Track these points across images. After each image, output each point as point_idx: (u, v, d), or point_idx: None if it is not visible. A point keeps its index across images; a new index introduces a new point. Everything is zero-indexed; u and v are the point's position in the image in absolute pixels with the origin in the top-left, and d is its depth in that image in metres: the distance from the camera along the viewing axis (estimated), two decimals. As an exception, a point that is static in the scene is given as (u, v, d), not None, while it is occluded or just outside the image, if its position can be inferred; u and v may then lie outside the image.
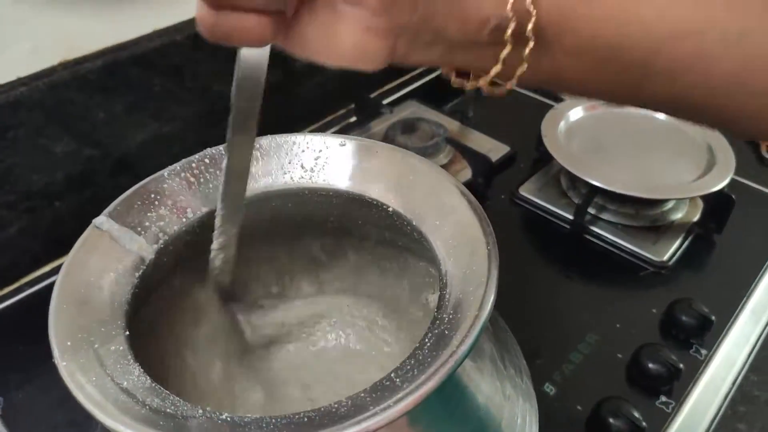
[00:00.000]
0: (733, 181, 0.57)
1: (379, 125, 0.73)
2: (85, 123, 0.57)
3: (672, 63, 0.25)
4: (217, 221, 0.30)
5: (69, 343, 0.23)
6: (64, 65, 0.53)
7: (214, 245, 0.31)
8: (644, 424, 0.42)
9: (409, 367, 0.23)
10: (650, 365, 0.46)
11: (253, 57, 0.25)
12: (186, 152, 0.65)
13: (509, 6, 0.24)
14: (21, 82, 0.52)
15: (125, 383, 0.23)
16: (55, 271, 0.59)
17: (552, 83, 0.28)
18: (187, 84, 0.62)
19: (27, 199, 0.56)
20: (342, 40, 0.23)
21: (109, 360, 0.24)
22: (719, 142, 0.61)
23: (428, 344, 0.23)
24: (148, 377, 0.24)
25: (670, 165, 0.60)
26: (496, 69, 0.26)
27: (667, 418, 0.44)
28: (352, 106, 0.77)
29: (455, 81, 0.28)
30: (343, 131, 0.73)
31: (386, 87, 0.81)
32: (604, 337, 0.50)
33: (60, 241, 0.60)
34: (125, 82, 0.58)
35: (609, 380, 0.46)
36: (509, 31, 0.24)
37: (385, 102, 0.77)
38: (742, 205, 0.57)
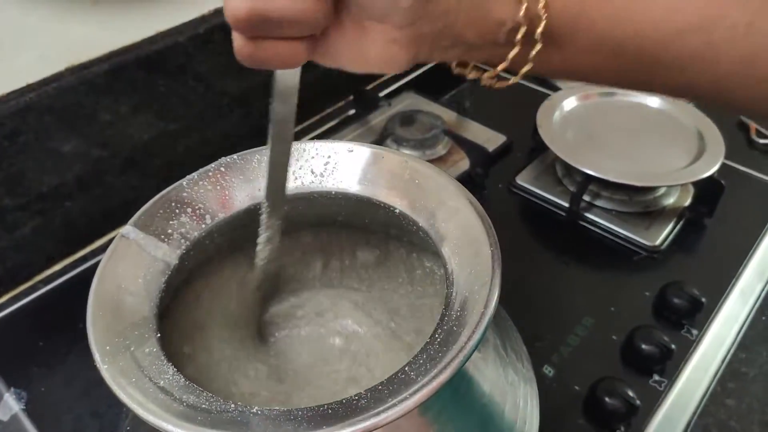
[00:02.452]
0: (723, 165, 0.59)
1: (378, 117, 0.74)
2: (93, 125, 0.58)
3: (681, 55, 0.27)
4: (263, 217, 0.33)
5: (108, 348, 0.25)
6: (71, 70, 0.55)
7: (261, 238, 0.33)
8: (638, 402, 0.44)
9: (421, 361, 0.25)
10: (643, 346, 0.48)
11: (287, 74, 0.27)
12: (191, 149, 0.67)
13: (522, 11, 0.26)
14: (30, 88, 0.53)
15: (162, 382, 0.25)
16: (69, 268, 0.61)
17: (563, 75, 0.30)
18: (190, 83, 0.64)
19: (39, 200, 0.58)
20: (370, 51, 0.25)
21: (145, 361, 0.26)
22: (709, 128, 0.63)
23: (438, 339, 0.26)
24: (182, 376, 0.26)
25: (661, 152, 0.62)
26: (503, 65, 0.28)
27: (660, 395, 0.46)
28: (351, 98, 0.79)
29: (456, 70, 0.31)
30: (342, 124, 0.75)
31: (383, 78, 0.83)
32: (599, 320, 0.52)
33: (72, 239, 0.62)
34: (130, 83, 0.59)
35: (604, 361, 0.49)
36: (519, 35, 0.26)
37: (382, 94, 0.79)
38: (732, 189, 0.59)
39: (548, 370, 0.48)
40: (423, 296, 0.37)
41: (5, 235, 0.56)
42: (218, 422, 0.23)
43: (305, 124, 0.77)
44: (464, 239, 0.30)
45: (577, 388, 0.47)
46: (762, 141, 0.70)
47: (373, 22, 0.25)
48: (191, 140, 0.67)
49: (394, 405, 0.23)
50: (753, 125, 0.72)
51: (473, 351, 0.24)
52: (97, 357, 0.25)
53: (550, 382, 0.47)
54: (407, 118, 0.71)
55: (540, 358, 0.49)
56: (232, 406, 0.24)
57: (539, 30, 0.26)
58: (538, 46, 0.27)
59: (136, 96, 0.60)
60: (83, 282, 0.59)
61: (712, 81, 0.28)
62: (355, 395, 0.24)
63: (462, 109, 0.75)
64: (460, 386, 0.29)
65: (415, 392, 0.23)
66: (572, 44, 0.27)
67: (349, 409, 0.23)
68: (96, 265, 0.61)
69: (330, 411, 0.23)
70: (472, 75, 0.30)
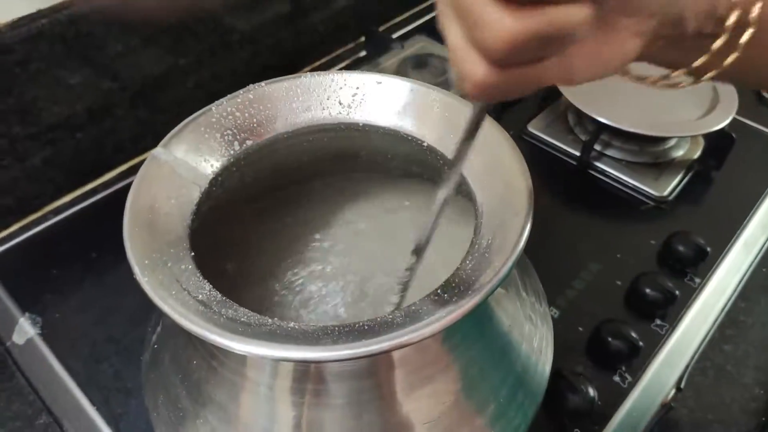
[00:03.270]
0: (734, 120, 0.59)
1: (389, 60, 0.73)
2: (104, 56, 0.57)
3: None
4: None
5: (147, 262, 0.26)
6: (83, -4, 0.54)
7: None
8: (641, 343, 0.46)
9: (453, 284, 0.26)
10: (647, 291, 0.49)
11: None
12: (200, 85, 0.66)
13: None
14: (41, 14, 0.52)
15: (200, 296, 0.26)
16: (78, 200, 0.61)
17: (751, 78, 0.27)
18: (201, 17, 0.63)
19: (49, 131, 0.57)
20: (612, 52, 0.22)
21: (182, 277, 0.26)
22: (723, 81, 0.63)
23: (470, 266, 0.26)
24: (219, 292, 0.26)
25: (674, 103, 0.62)
26: (703, 59, 0.24)
27: (662, 339, 0.48)
28: (362, 39, 0.77)
29: (632, 79, 0.27)
30: (353, 66, 0.74)
31: (395, 20, 0.81)
32: (605, 265, 0.53)
33: (82, 171, 0.62)
34: (142, 14, 0.58)
35: (609, 305, 0.50)
36: (732, 19, 0.23)
37: (394, 36, 0.77)
38: (741, 144, 0.60)
39: (554, 312, 0.49)
40: (451, 229, 0.38)
41: (16, 165, 0.56)
42: (259, 334, 0.24)
43: (314, 65, 0.76)
44: (494, 173, 0.30)
45: (581, 329, 0.48)
46: (773, 98, 0.70)
47: (627, 16, 0.21)
48: (201, 76, 0.66)
49: (430, 323, 0.23)
50: (765, 82, 0.71)
51: (507, 276, 0.25)
52: (136, 270, 0.25)
53: (556, 323, 0.48)
54: (419, 62, 0.70)
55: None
56: (269, 320, 0.25)
57: (755, 13, 0.23)
58: (750, 31, 0.23)
59: (147, 28, 0.59)
60: (93, 214, 0.60)
61: None
62: (390, 313, 0.25)
63: (475, 54, 0.74)
64: (484, 318, 0.30)
65: (450, 311, 0.24)
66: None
67: (385, 326, 0.24)
68: (106, 197, 0.62)
69: (366, 327, 0.24)
70: (650, 80, 0.27)
